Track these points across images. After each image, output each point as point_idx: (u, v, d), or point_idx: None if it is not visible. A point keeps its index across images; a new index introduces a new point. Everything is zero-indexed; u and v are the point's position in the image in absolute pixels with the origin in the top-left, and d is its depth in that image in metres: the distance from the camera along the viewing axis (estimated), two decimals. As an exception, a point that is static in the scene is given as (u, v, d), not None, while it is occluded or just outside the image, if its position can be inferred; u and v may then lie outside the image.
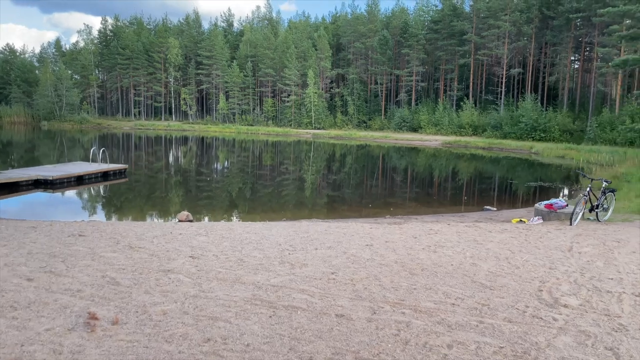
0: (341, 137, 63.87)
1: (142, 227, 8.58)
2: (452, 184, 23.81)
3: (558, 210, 10.84)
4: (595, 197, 10.57)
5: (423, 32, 72.40)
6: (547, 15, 60.61)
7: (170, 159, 33.80)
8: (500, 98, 64.03)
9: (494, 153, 43.85)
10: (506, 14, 62.20)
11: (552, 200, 11.33)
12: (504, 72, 63.15)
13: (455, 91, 69.86)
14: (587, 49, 61.40)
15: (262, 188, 20.21)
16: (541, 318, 4.20)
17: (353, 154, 42.50)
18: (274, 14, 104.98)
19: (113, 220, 10.78)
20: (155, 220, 12.53)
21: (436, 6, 79.62)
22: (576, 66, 65.38)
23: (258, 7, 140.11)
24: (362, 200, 17.77)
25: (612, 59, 52.58)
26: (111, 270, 5.34)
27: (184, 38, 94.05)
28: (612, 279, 5.58)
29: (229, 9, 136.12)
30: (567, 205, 11.10)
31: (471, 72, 68.57)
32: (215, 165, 30.44)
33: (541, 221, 10.94)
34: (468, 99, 65.85)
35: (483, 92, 69.19)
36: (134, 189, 18.59)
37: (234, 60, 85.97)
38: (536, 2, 61.50)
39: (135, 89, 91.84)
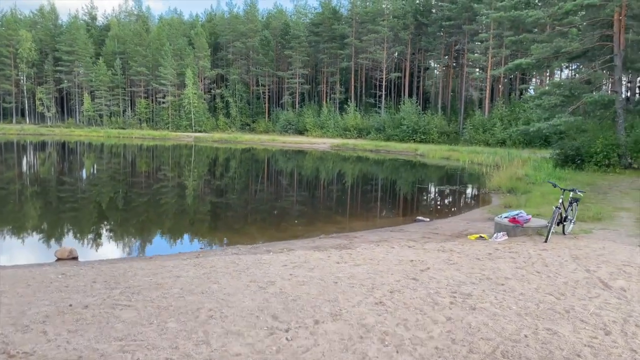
0: (226, 140, 60.58)
1: (16, 291, 5.55)
2: (361, 190, 22.61)
3: (525, 225, 9.78)
4: (564, 208, 9.69)
5: (304, 34, 71.90)
6: (422, 22, 63.50)
7: (29, 169, 28.25)
8: (381, 101, 65.71)
9: (382, 155, 44.20)
10: (384, 20, 63.93)
11: (514, 213, 10.27)
12: (384, 76, 64.88)
13: (337, 94, 70.32)
14: (456, 55, 65.53)
15: (150, 202, 17.02)
16: None
17: (238, 159, 39.90)
18: (143, 9, 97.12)
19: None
20: (26, 259, 9.07)
21: (315, 9, 79.78)
22: (442, 69, 69.50)
23: (126, 0, 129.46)
24: (279, 214, 15.59)
25: (481, 65, 56.62)
26: None
27: (38, 31, 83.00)
28: None
29: (91, 0, 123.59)
30: (531, 219, 10.11)
31: (352, 75, 69.54)
32: (86, 175, 25.90)
33: (506, 237, 9.79)
34: (350, 101, 66.60)
35: (364, 95, 70.60)
36: (-15, 213, 14.32)
37: (100, 57, 77.68)
38: (411, 9, 64.11)
39: (-23, 87, 78.82)
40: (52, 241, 11.03)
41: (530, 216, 10.16)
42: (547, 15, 23.60)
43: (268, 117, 74.02)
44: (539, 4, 23.73)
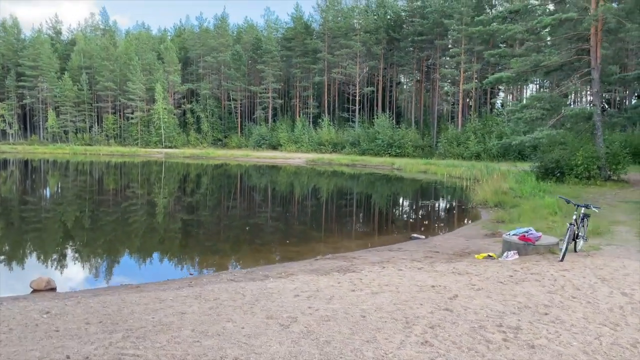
0: (197, 156, 59.29)
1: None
2: (346, 206, 22.00)
3: (536, 243, 9.37)
4: (577, 225, 9.33)
5: (276, 48, 71.56)
6: (394, 37, 64.03)
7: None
8: (355, 116, 65.70)
9: (359, 170, 43.84)
10: (356, 34, 64.23)
11: (522, 230, 9.84)
12: (358, 91, 64.97)
13: (311, 108, 70.04)
14: (427, 70, 66.21)
15: (123, 223, 16.01)
16: None
17: (212, 175, 38.87)
18: (110, 23, 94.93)
19: None
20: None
21: (287, 23, 79.71)
22: (414, 81, 70.15)
23: (92, 14, 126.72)
24: (266, 234, 14.81)
25: (453, 79, 57.37)
26: None
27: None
28: None
29: (55, 14, 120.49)
30: (541, 236, 9.71)
31: (325, 89, 69.42)
32: (52, 194, 24.51)
33: (517, 256, 9.34)
34: (324, 116, 66.38)
35: (337, 110, 70.50)
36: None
37: (65, 72, 75.33)
38: (383, 25, 64.61)
39: None
40: (22, 268, 10.09)
41: (540, 234, 9.76)
42: (525, 30, 23.77)
43: (241, 132, 73.06)
44: (517, 19, 23.89)
